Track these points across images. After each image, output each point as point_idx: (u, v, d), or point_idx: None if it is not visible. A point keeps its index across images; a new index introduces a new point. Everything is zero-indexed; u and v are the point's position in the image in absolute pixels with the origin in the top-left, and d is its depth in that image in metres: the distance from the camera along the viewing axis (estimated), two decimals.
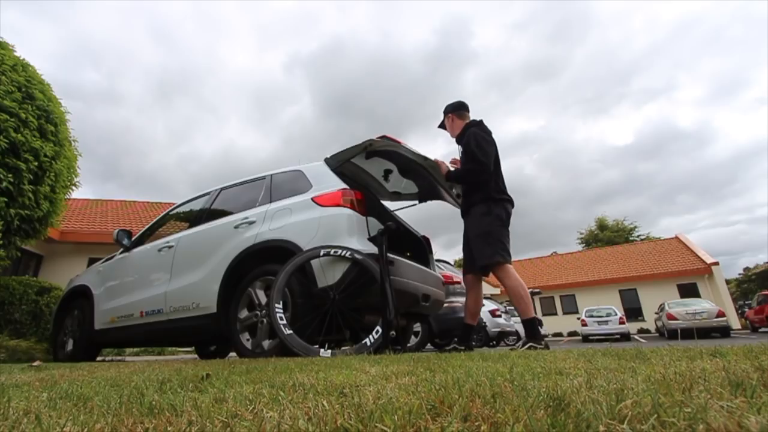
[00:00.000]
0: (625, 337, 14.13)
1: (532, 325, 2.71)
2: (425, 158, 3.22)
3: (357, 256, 2.44)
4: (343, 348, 2.40)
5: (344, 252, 2.46)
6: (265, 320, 2.61)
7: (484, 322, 9.34)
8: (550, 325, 21.61)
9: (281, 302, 2.42)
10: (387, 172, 3.56)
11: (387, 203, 3.78)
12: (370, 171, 3.53)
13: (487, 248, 2.78)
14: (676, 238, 24.43)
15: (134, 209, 14.55)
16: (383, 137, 2.95)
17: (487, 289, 22.94)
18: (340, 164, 3.10)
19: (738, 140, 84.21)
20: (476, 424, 0.50)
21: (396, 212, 3.75)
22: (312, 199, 2.79)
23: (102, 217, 12.76)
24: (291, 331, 2.32)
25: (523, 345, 2.65)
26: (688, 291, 19.67)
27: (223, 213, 3.35)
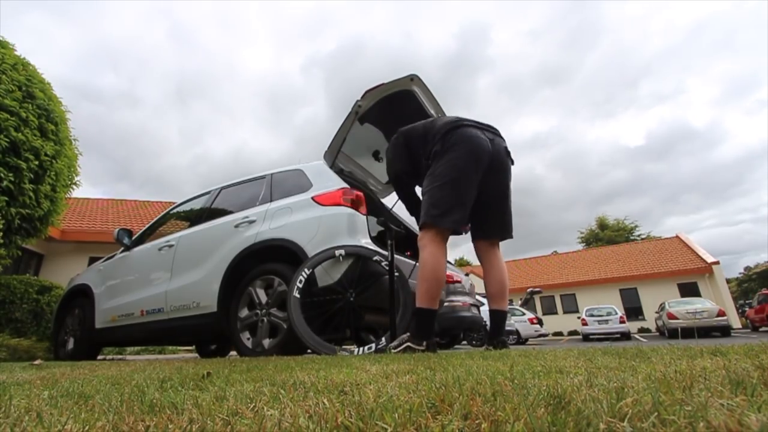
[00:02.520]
0: (626, 336, 14.15)
1: (421, 318, 2.08)
2: (410, 77, 2.94)
3: (378, 257, 2.46)
4: (368, 347, 2.31)
5: (362, 251, 2.48)
6: (265, 319, 2.61)
7: (485, 321, 9.34)
8: (550, 324, 21.60)
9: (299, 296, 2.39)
10: (376, 154, 3.53)
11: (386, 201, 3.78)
12: (364, 164, 3.53)
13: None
14: (677, 237, 24.41)
15: (135, 208, 14.56)
16: (365, 94, 2.87)
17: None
18: (338, 151, 3.07)
19: (746, 142, 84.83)
20: (477, 422, 0.50)
21: (395, 211, 3.75)
22: (312, 198, 2.79)
23: (103, 216, 12.77)
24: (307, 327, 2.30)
25: (399, 344, 2.03)
26: (689, 290, 19.67)
27: (223, 212, 3.35)
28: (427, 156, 2.26)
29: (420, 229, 2.20)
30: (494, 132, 2.34)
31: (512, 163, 2.41)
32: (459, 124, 2.24)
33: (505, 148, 2.35)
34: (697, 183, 76.40)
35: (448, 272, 5.87)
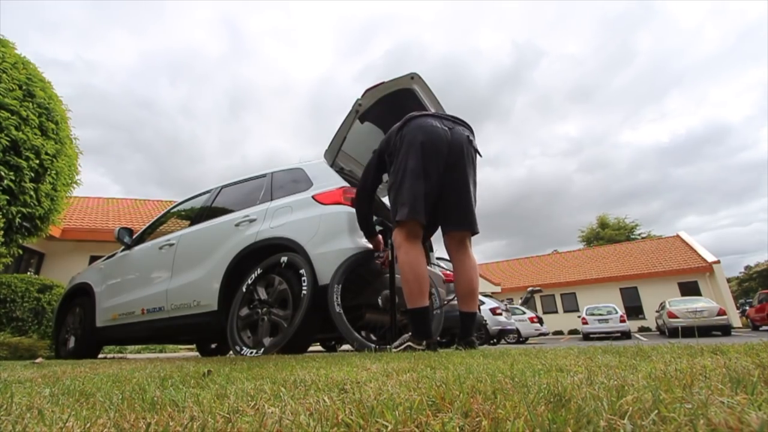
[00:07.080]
0: (626, 335, 14.13)
1: (413, 318, 2.10)
2: (411, 76, 2.91)
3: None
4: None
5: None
6: (265, 318, 2.62)
7: (485, 320, 9.35)
8: (550, 323, 21.61)
9: (339, 285, 2.36)
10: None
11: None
12: (364, 163, 3.53)
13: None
14: (677, 236, 24.38)
15: (135, 207, 14.56)
16: (365, 92, 2.86)
17: (487, 287, 22.93)
18: (338, 149, 3.07)
19: (763, 145, 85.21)
20: (477, 419, 0.50)
21: None
22: (312, 197, 2.79)
23: (103, 215, 12.78)
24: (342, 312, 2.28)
25: (401, 344, 2.08)
26: (689, 289, 19.64)
27: (224, 211, 3.35)
28: (390, 155, 2.30)
29: (393, 228, 2.22)
30: (456, 121, 2.29)
31: (478, 153, 2.33)
32: (410, 116, 2.24)
33: (468, 137, 2.26)
34: (714, 186, 77.81)
35: (449, 271, 5.86)
